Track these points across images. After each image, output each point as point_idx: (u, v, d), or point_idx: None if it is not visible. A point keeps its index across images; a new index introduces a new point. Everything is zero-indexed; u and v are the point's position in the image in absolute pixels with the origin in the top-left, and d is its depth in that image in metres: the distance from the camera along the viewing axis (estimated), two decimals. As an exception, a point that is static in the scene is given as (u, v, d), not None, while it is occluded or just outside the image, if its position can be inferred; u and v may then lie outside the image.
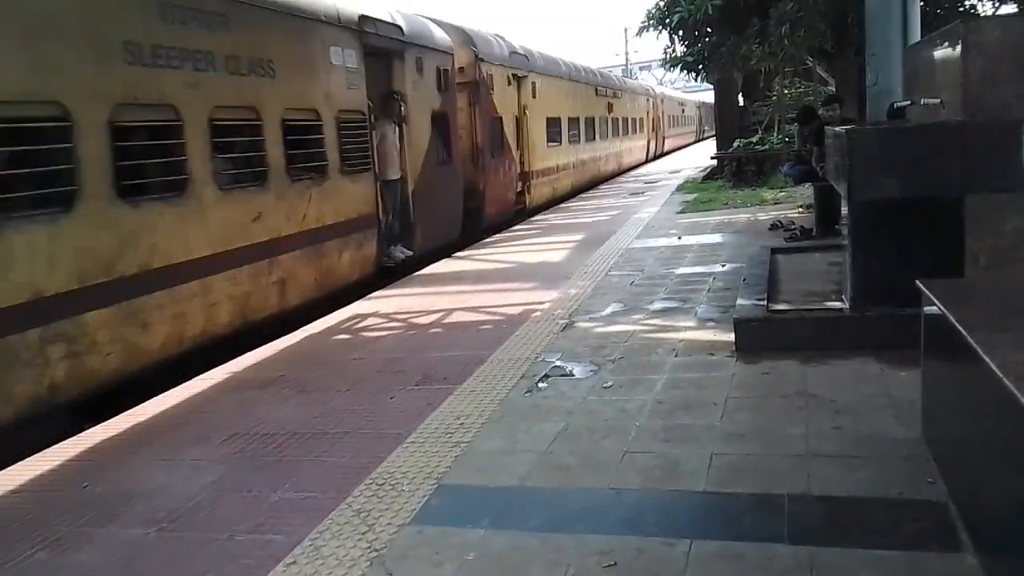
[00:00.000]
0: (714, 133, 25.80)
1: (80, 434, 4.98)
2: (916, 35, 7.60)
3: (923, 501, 3.15)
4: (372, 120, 9.89)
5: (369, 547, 3.21)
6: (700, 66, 14.26)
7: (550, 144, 17.80)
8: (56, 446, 4.82)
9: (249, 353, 6.62)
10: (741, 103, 23.35)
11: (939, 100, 5.35)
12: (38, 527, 3.70)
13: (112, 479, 4.24)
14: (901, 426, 3.87)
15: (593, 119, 22.31)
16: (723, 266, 8.24)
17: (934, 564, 2.74)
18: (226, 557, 3.29)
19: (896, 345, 4.76)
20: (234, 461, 4.32)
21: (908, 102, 6.18)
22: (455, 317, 7.32)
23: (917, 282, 3.38)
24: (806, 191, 11.76)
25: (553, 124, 18.15)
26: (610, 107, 24.28)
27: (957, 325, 2.72)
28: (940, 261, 4.75)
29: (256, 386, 5.69)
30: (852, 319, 5.27)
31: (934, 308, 3.12)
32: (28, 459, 4.65)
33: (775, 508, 3.20)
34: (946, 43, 5.23)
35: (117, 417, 5.25)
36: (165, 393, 5.70)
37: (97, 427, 5.09)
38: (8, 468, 4.53)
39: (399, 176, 10.51)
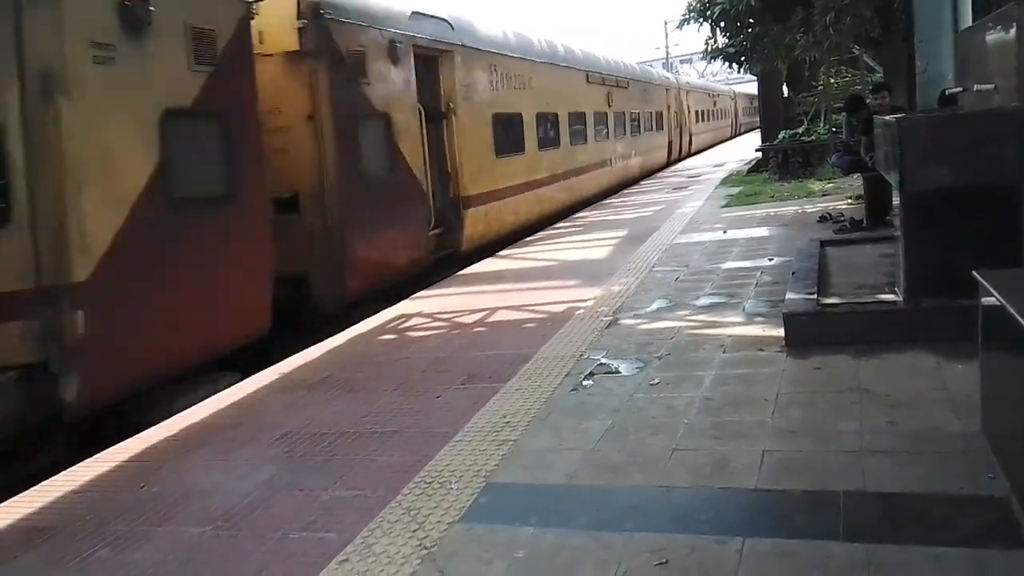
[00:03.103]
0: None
1: (136, 435, 5.11)
2: (967, 20, 7.39)
3: (984, 497, 3.07)
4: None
5: (420, 545, 3.24)
6: (743, 57, 14.08)
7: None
8: (114, 448, 4.94)
9: (297, 354, 6.72)
10: (786, 94, 22.98)
11: (993, 86, 5.20)
12: (99, 526, 3.81)
13: (168, 479, 4.34)
14: (959, 420, 3.77)
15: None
16: (771, 260, 8.12)
17: (997, 561, 2.67)
18: (280, 555, 3.34)
19: (951, 337, 4.64)
20: (286, 460, 4.38)
21: (960, 89, 6.02)
22: (499, 316, 7.34)
23: (974, 272, 3.29)
24: (855, 182, 11.53)
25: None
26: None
27: (1017, 316, 2.64)
28: (996, 251, 4.60)
29: (305, 387, 5.77)
30: (906, 311, 5.16)
31: (992, 299, 3.04)
32: (87, 460, 4.78)
33: (829, 505, 3.14)
34: (999, 27, 5.07)
35: (172, 419, 5.37)
36: (217, 395, 5.82)
37: (152, 429, 5.21)
38: (68, 470, 4.67)
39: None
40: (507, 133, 13.17)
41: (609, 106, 19.61)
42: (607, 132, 19.57)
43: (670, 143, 28.12)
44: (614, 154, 20.26)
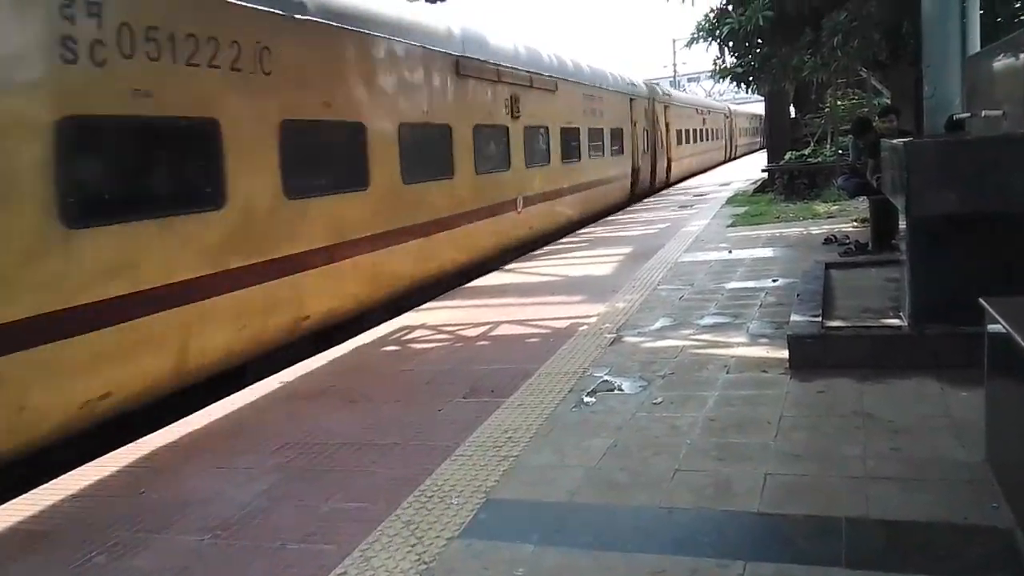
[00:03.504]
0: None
1: (136, 441, 5.10)
2: (975, 45, 7.42)
3: (988, 527, 3.05)
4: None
5: (418, 560, 3.22)
6: (750, 77, 14.13)
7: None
8: (113, 453, 4.93)
9: (299, 364, 6.71)
10: (793, 115, 23.06)
11: (1001, 112, 5.21)
12: (97, 532, 3.79)
13: (167, 486, 4.33)
14: (963, 448, 3.75)
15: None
16: (775, 281, 8.11)
17: (1001, 593, 2.65)
18: (278, 566, 3.32)
19: (957, 364, 4.63)
20: (286, 470, 4.37)
21: (967, 114, 6.03)
22: (502, 330, 7.33)
23: (981, 300, 3.28)
24: (861, 205, 11.54)
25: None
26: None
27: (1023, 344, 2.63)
28: (1003, 277, 4.59)
29: (307, 396, 5.76)
30: (911, 337, 5.14)
31: (998, 326, 3.03)
32: (87, 465, 4.77)
33: (832, 531, 3.12)
34: (1008, 53, 5.09)
35: (172, 425, 5.36)
36: (218, 402, 5.81)
37: (153, 435, 5.20)
38: (68, 474, 4.65)
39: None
40: (134, 168, 6.15)
41: (513, 117, 13.09)
42: (507, 159, 12.97)
43: (635, 172, 21.43)
44: (523, 192, 13.39)
